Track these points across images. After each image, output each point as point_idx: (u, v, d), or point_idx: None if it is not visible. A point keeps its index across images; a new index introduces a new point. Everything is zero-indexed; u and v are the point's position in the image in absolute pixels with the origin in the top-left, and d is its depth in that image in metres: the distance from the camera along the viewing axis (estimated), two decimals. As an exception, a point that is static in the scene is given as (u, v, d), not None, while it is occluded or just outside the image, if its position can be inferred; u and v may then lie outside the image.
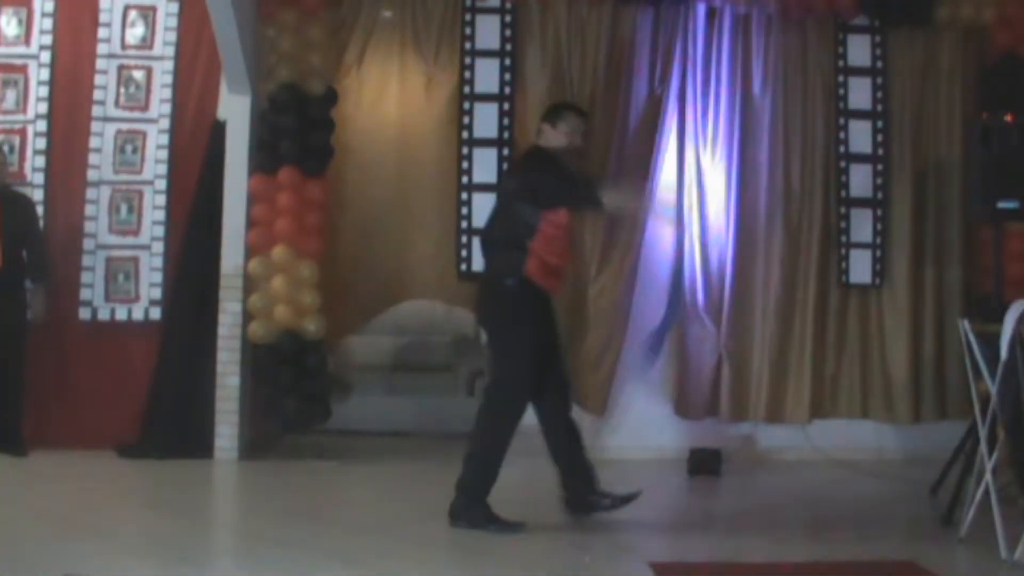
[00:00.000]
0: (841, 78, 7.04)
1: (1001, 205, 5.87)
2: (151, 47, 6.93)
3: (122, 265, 6.84)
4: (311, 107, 6.58)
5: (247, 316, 6.54)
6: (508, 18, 6.85)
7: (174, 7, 6.93)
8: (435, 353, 8.35)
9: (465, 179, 6.77)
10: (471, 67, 6.83)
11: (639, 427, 6.90)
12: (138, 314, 6.82)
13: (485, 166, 6.71)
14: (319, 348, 6.59)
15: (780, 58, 6.95)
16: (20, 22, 6.89)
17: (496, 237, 5.08)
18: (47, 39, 6.87)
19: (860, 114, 7.03)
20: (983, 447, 4.79)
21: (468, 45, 6.84)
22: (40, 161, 6.81)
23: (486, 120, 6.80)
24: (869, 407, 6.99)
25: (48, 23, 6.88)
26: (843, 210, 7.02)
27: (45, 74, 6.85)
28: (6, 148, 6.72)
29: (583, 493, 5.10)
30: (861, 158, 7.03)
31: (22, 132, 6.81)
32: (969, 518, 4.76)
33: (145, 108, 6.90)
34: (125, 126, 6.88)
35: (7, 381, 6.43)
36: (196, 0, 6.58)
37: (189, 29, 6.91)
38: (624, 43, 6.85)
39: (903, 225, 6.99)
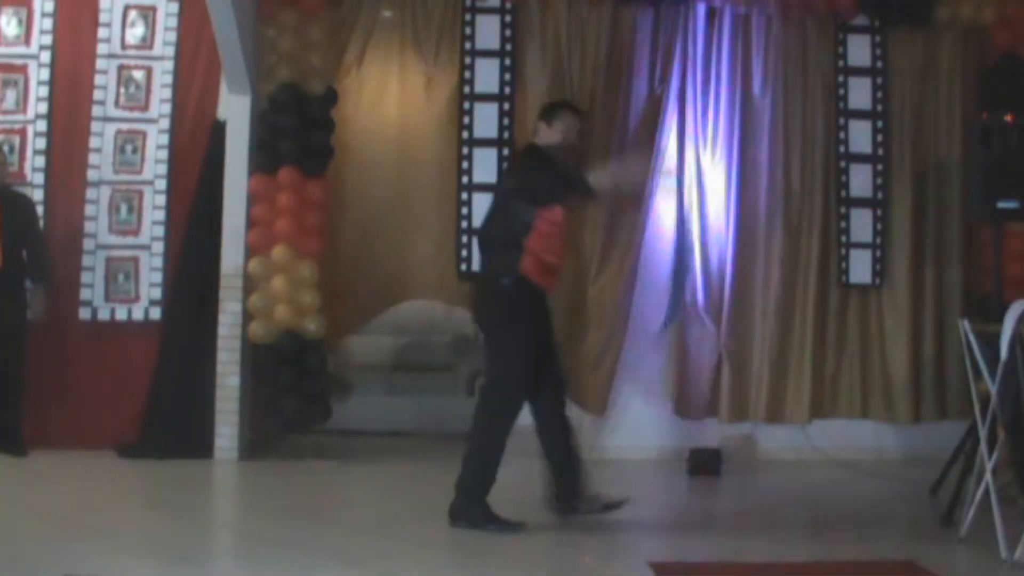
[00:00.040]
0: (841, 78, 7.04)
1: (1001, 205, 5.87)
2: (151, 47, 6.93)
3: (122, 265, 6.84)
4: (311, 107, 6.58)
5: (247, 316, 6.54)
6: (508, 18, 6.85)
7: (174, 7, 6.93)
8: (435, 353, 8.35)
9: (465, 179, 6.77)
10: (471, 67, 6.83)
11: (639, 427, 6.90)
12: (138, 314, 6.82)
13: (485, 166, 6.71)
14: (319, 348, 6.59)
15: (780, 58, 6.96)
16: (20, 22, 6.89)
17: (493, 236, 5.08)
18: (47, 39, 6.87)
19: (860, 114, 7.03)
20: (983, 447, 4.79)
21: (468, 45, 6.84)
22: (40, 161, 6.81)
23: (486, 120, 6.80)
24: (869, 407, 7.00)
25: (48, 23, 6.88)
26: (843, 210, 7.02)
27: (45, 74, 6.85)
28: (6, 148, 6.72)
29: (570, 495, 5.07)
30: (861, 158, 7.03)
31: (22, 132, 6.81)
32: (969, 518, 4.76)
33: (145, 108, 6.90)
34: (125, 126, 6.88)
35: (7, 381, 6.43)
36: (196, 0, 6.58)
37: (189, 29, 6.91)
38: (624, 43, 6.85)
39: (903, 225, 6.99)
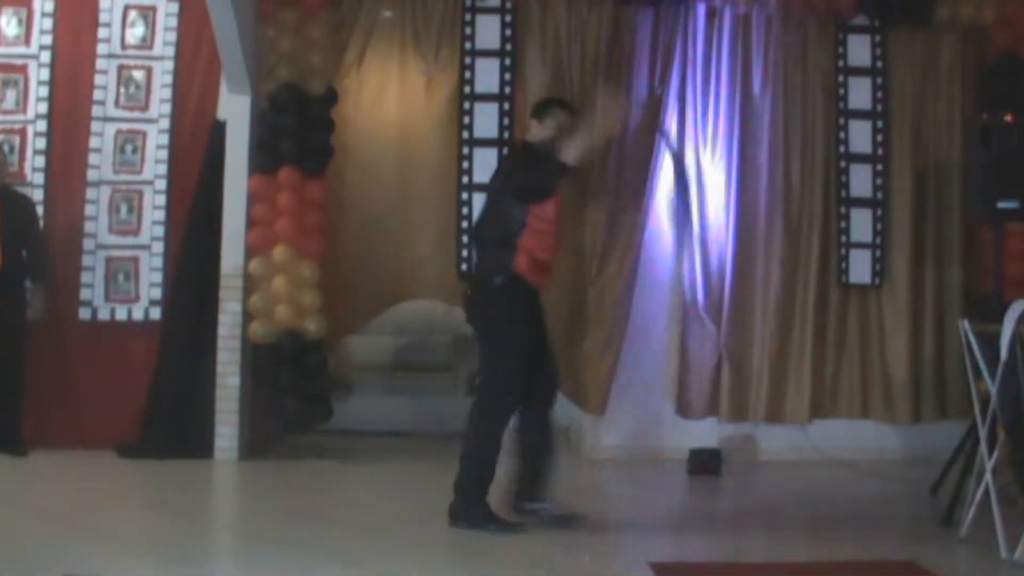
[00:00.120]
0: (841, 78, 7.04)
1: (1001, 205, 5.88)
2: (151, 47, 6.93)
3: (122, 265, 6.84)
4: (311, 107, 6.58)
5: (247, 316, 6.54)
6: (508, 18, 6.85)
7: (174, 7, 6.93)
8: (435, 353, 8.35)
9: (465, 179, 6.78)
10: (471, 67, 6.83)
11: (639, 427, 6.90)
12: (138, 314, 6.82)
13: (485, 166, 6.70)
14: (319, 348, 6.59)
15: (780, 58, 6.95)
16: (20, 22, 6.89)
17: (486, 235, 5.09)
18: (47, 39, 6.87)
19: (860, 114, 7.03)
20: (983, 447, 4.79)
21: (468, 45, 6.84)
22: (40, 161, 6.81)
23: (486, 120, 6.80)
24: (869, 407, 6.99)
25: (48, 23, 6.88)
26: (843, 210, 7.02)
27: (45, 74, 6.85)
28: (6, 148, 6.72)
29: (529, 496, 5.04)
30: (861, 158, 7.03)
31: (22, 132, 6.81)
32: (969, 518, 4.77)
33: (145, 108, 6.90)
34: (125, 126, 6.88)
35: (7, 381, 6.43)
36: (196, 0, 6.58)
37: (189, 29, 6.90)
38: (624, 43, 6.85)
39: (903, 225, 6.99)
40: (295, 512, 5.31)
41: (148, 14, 6.93)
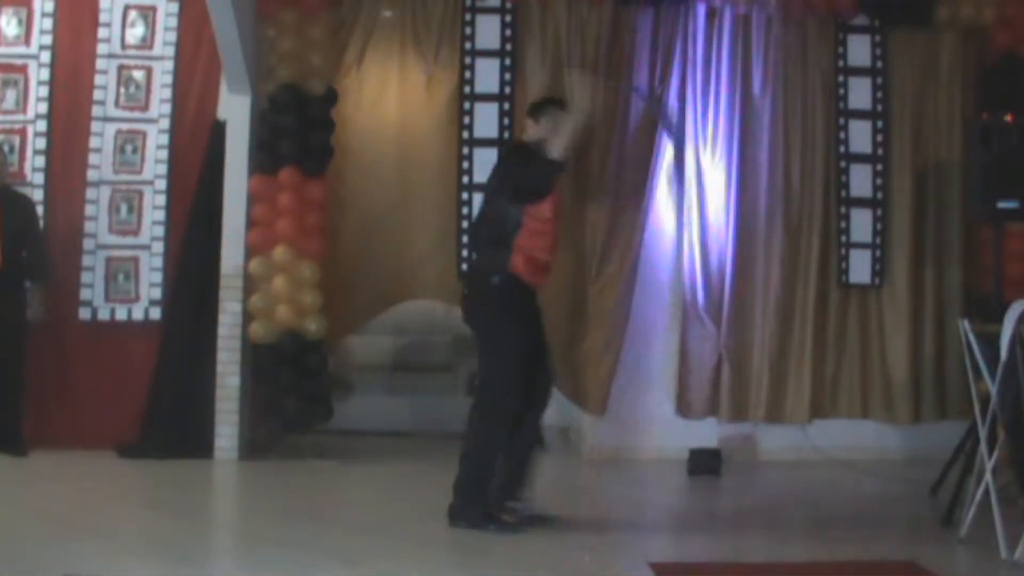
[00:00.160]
0: (841, 78, 7.04)
1: (1001, 205, 5.88)
2: (151, 47, 6.93)
3: (122, 265, 6.84)
4: (311, 107, 6.58)
5: (247, 316, 6.54)
6: (508, 18, 6.85)
7: (174, 7, 6.93)
8: (435, 353, 8.35)
9: (465, 179, 6.77)
10: (471, 67, 6.83)
11: (639, 427, 6.90)
12: (138, 314, 6.82)
13: (485, 166, 6.66)
14: (319, 348, 6.59)
15: (780, 58, 6.96)
16: (20, 22, 6.89)
17: (483, 235, 5.09)
18: (47, 39, 6.87)
19: (860, 114, 7.03)
20: (983, 447, 4.79)
21: (468, 45, 6.84)
22: (40, 161, 6.81)
23: (486, 120, 6.80)
24: (869, 407, 6.99)
25: (48, 23, 6.88)
26: (843, 210, 7.02)
27: (45, 74, 6.85)
28: (6, 148, 6.72)
29: (504, 496, 5.02)
30: (861, 158, 7.03)
31: (22, 132, 6.81)
32: (969, 518, 4.77)
33: (145, 108, 6.90)
34: (125, 126, 6.88)
35: (7, 381, 6.43)
36: (196, 0, 6.58)
37: (189, 29, 6.91)
38: (624, 43, 6.85)
39: (903, 225, 6.99)
40: (295, 512, 5.31)
41: (148, 14, 6.94)
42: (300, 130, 6.52)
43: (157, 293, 6.81)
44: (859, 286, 7.02)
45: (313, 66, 6.62)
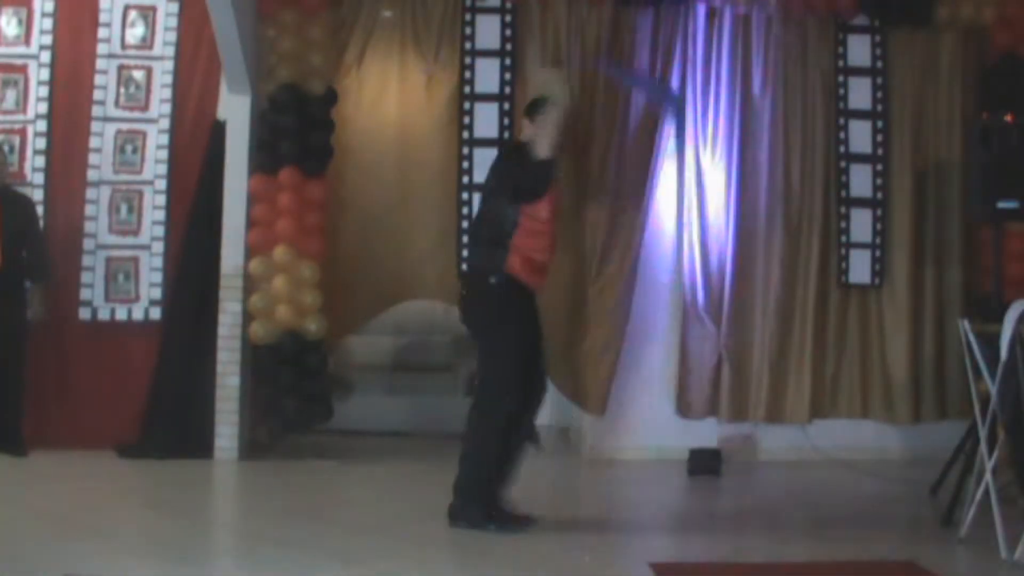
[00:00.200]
0: (841, 78, 7.04)
1: (1001, 205, 5.88)
2: (151, 47, 6.93)
3: (122, 265, 6.84)
4: (311, 107, 6.58)
5: (247, 316, 6.54)
6: (508, 18, 6.85)
7: (174, 7, 6.93)
8: (435, 353, 8.35)
9: (465, 179, 6.77)
10: (471, 67, 6.83)
11: (639, 427, 6.90)
12: (138, 314, 6.82)
13: (485, 166, 6.61)
14: (319, 348, 6.59)
15: (780, 58, 6.95)
16: (20, 22, 6.89)
17: (480, 235, 5.09)
18: (47, 39, 6.87)
19: (860, 114, 7.03)
20: (983, 447, 4.79)
21: (468, 45, 6.84)
22: (40, 161, 6.81)
23: (486, 120, 6.80)
24: (869, 407, 6.99)
25: (48, 23, 6.88)
26: (843, 210, 7.02)
27: (45, 74, 6.85)
28: (6, 148, 6.72)
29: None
30: (861, 158, 7.03)
31: (22, 132, 6.81)
32: (969, 518, 4.77)
33: (145, 108, 6.90)
34: (125, 126, 6.89)
35: (7, 381, 6.43)
36: (196, 0, 6.58)
37: (189, 29, 6.91)
38: (624, 43, 6.85)
39: (903, 225, 6.99)
40: (295, 512, 5.31)
41: (148, 14, 6.94)
42: (300, 130, 6.52)
43: (157, 293, 6.81)
44: (859, 286, 7.02)
45: (313, 66, 6.62)
